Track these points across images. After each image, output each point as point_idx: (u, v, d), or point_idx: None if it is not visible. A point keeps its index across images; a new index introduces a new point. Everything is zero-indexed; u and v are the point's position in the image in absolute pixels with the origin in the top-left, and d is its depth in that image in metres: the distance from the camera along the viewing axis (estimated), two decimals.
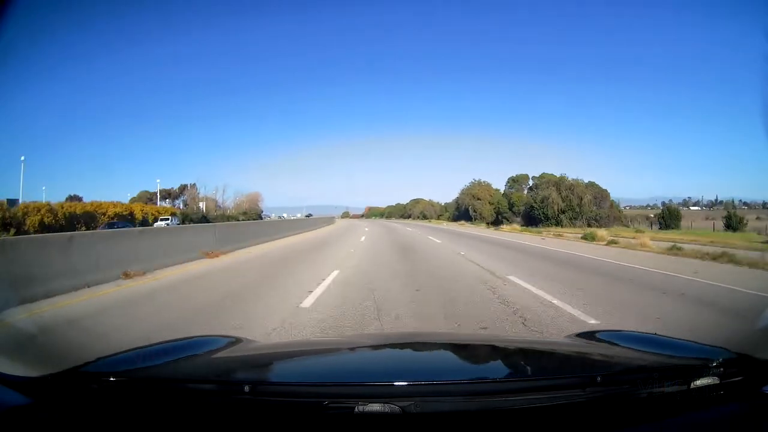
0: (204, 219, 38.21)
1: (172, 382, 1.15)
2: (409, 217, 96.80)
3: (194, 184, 51.70)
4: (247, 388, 1.02)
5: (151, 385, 1.13)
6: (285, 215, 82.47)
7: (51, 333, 4.34)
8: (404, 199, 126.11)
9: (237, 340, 1.78)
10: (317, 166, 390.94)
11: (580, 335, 1.99)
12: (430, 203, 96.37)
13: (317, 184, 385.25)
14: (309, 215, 77.25)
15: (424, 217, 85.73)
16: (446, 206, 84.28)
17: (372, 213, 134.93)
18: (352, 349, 1.81)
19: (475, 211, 59.33)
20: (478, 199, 60.80)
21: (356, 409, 0.97)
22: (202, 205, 46.29)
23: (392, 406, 0.96)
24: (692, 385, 1.10)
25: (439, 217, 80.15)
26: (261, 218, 45.49)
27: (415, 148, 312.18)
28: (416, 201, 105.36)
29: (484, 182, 64.29)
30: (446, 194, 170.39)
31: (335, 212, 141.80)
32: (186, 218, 39.13)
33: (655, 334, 1.84)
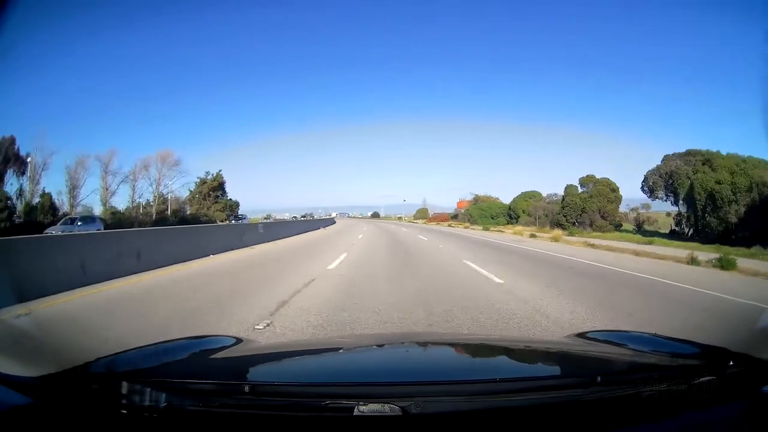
0: None
1: (171, 382, 1.14)
2: None
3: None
4: (247, 389, 1.02)
5: (150, 386, 1.12)
6: (334, 214, 71.96)
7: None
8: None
9: (237, 341, 1.78)
10: (387, 156, 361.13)
11: (580, 335, 1.99)
12: None
13: (388, 181, 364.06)
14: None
15: None
16: None
17: (481, 210, 51.30)
18: (351, 349, 1.81)
19: None
20: None
21: (356, 410, 0.97)
22: None
23: (392, 406, 0.96)
24: (692, 385, 1.10)
25: None
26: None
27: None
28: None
29: None
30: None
31: (404, 211, 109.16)
32: None
33: (655, 334, 1.83)
